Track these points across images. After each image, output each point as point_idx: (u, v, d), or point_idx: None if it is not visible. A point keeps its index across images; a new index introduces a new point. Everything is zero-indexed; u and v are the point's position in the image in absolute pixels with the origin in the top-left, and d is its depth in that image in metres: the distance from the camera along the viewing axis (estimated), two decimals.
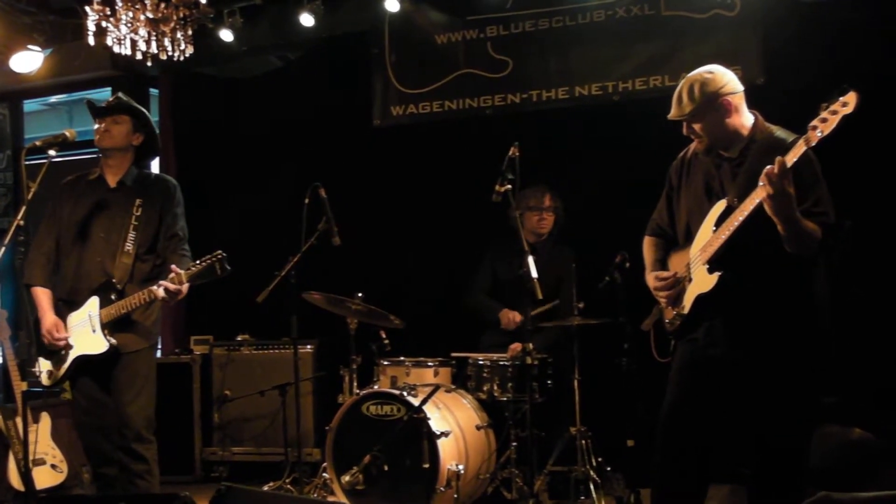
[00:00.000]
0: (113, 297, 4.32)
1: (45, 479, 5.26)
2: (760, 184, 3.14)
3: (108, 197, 4.52)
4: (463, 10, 6.39)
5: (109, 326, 4.30)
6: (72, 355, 4.34)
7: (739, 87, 3.54)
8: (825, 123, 3.02)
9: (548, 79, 6.18)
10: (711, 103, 3.48)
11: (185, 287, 4.20)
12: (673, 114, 3.60)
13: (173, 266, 4.23)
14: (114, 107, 4.51)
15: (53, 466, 5.38)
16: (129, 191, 4.52)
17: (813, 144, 3.08)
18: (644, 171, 4.75)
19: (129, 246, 4.39)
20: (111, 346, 4.27)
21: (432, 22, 6.48)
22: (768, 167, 3.11)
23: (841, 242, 3.41)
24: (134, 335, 4.40)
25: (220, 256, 4.14)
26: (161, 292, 4.18)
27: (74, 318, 4.37)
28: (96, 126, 4.51)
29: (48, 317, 4.39)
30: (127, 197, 4.49)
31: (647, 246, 3.95)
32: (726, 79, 3.52)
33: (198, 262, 4.20)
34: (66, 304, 4.43)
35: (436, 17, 6.46)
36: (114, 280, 4.34)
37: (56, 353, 4.38)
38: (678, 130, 3.66)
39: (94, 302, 4.33)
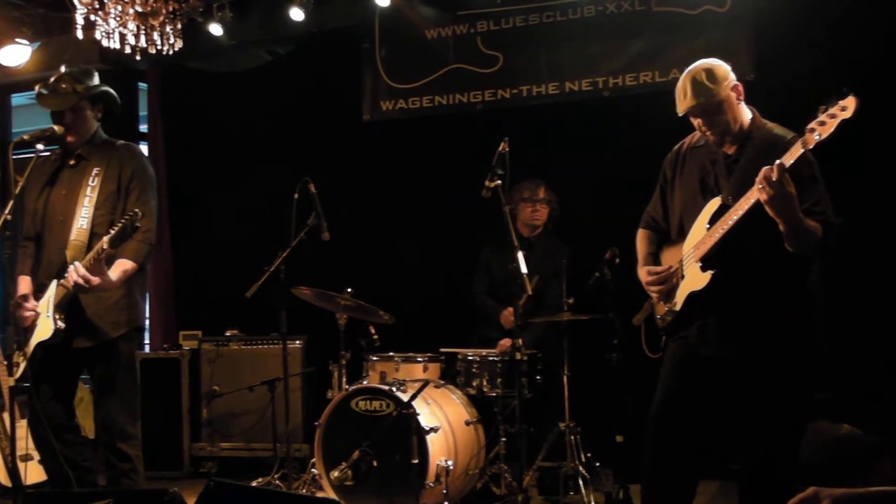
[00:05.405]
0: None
1: (32, 474, 5.23)
2: (759, 186, 3.11)
3: (65, 175, 4.29)
4: (453, 5, 6.38)
5: (62, 309, 4.02)
6: (31, 343, 4.10)
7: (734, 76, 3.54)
8: (823, 127, 2.97)
9: (538, 74, 6.17)
10: (730, 86, 3.45)
11: (109, 250, 3.83)
12: (693, 104, 3.43)
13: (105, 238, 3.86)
14: (66, 100, 4.19)
15: (41, 462, 5.35)
16: (87, 164, 4.26)
17: (810, 147, 3.03)
18: (634, 167, 4.75)
19: (82, 222, 4.11)
20: (57, 329, 3.97)
21: (422, 17, 6.46)
22: (765, 169, 3.08)
23: (833, 240, 3.40)
24: (103, 325, 4.17)
25: (132, 213, 3.78)
26: (81, 268, 3.86)
27: (39, 307, 4.15)
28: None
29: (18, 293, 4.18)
30: (84, 170, 4.24)
31: (641, 239, 3.93)
32: (727, 66, 3.52)
33: (117, 224, 3.82)
34: (39, 294, 4.20)
35: (426, 11, 6.45)
36: (68, 261, 4.03)
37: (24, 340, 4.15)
38: (668, 126, 3.65)
39: (52, 286, 4.08)
